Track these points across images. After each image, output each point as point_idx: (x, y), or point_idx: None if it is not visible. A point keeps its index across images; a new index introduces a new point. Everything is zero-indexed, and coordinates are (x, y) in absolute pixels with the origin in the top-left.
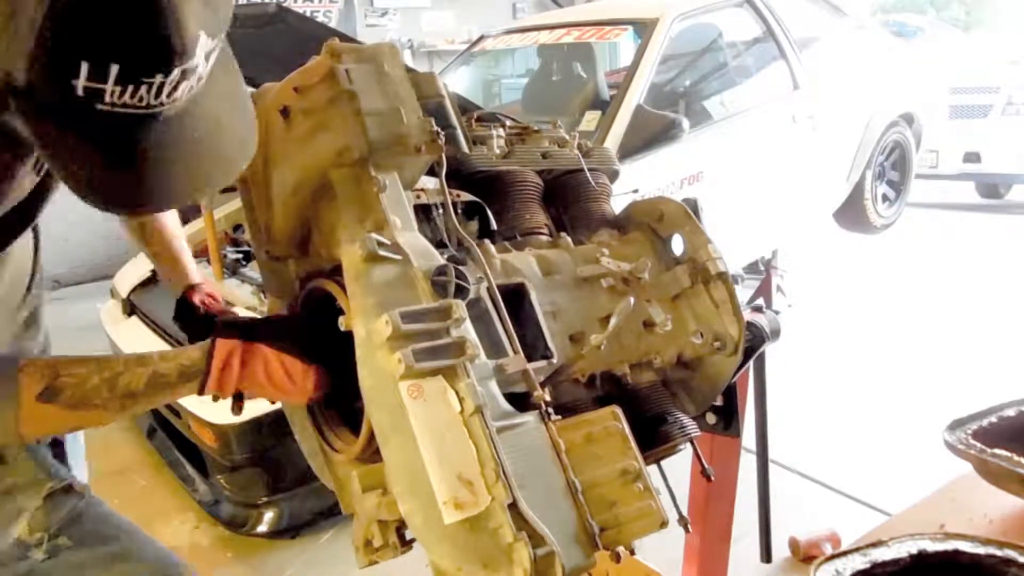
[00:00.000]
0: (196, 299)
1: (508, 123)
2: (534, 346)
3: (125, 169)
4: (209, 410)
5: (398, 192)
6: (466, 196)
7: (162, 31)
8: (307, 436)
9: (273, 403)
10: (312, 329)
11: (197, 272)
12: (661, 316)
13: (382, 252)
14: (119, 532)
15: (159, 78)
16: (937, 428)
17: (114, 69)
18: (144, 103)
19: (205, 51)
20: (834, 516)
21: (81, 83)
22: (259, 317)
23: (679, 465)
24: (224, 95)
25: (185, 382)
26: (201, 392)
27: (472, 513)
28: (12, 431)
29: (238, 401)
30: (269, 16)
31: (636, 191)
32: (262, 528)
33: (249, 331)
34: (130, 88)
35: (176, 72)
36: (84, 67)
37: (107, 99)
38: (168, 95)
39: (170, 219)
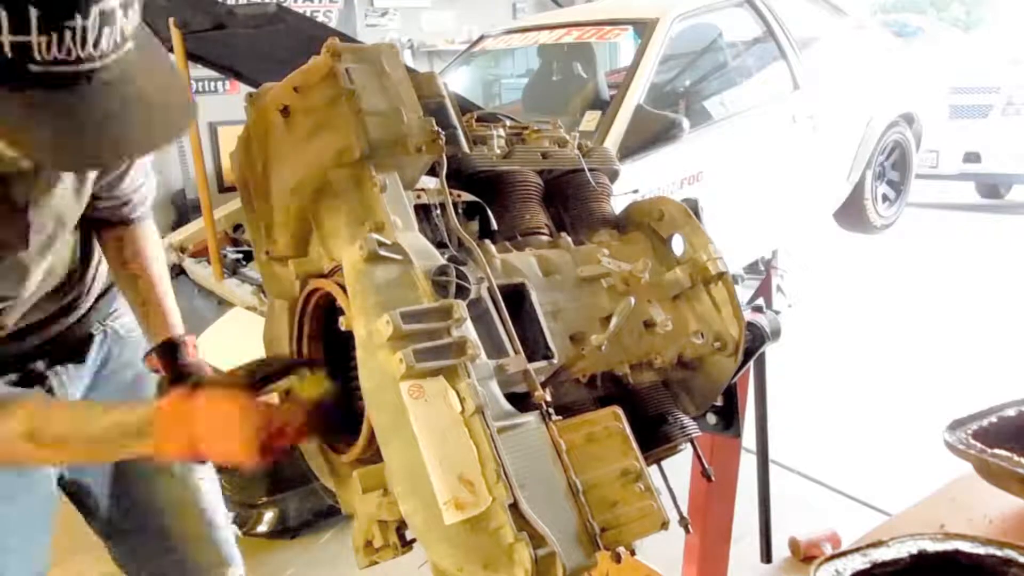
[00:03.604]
0: (189, 354)
1: (508, 123)
2: (535, 346)
3: (67, 125)
4: None
5: (398, 192)
6: (466, 196)
7: None
8: None
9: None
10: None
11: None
12: (661, 316)
13: (383, 252)
14: None
15: (79, 20)
16: (937, 428)
17: (34, 14)
18: (73, 56)
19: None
20: (834, 516)
21: (6, 38)
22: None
23: (679, 465)
24: (153, 71)
25: (143, 437)
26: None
27: (473, 513)
28: None
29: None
30: (269, 16)
31: (636, 191)
32: (262, 528)
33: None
34: (55, 37)
35: (94, 12)
36: (4, 17)
37: (37, 55)
38: (94, 44)
39: (156, 264)
